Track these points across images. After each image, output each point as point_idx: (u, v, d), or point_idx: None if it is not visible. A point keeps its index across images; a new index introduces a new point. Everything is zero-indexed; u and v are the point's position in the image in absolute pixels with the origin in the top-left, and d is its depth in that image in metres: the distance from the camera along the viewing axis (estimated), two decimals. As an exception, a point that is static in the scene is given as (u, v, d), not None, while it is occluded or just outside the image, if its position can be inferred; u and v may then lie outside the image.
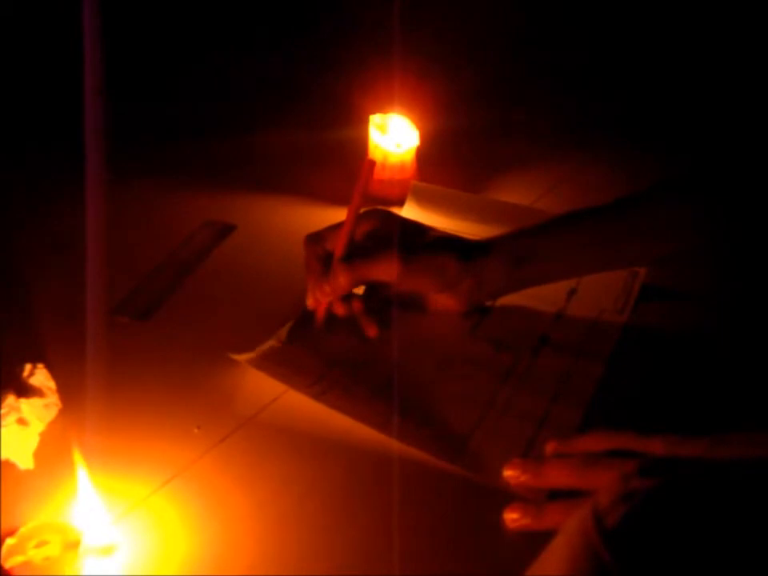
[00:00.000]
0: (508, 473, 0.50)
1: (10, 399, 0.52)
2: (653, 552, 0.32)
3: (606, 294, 0.67)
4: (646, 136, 0.94)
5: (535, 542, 0.39)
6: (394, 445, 0.52)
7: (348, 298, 0.62)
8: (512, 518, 0.47)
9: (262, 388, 0.57)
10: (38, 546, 0.43)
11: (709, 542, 0.33)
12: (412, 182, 0.80)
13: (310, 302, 0.62)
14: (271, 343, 0.61)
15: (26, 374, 0.54)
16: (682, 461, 0.42)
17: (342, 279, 0.60)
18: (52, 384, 0.54)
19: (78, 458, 0.44)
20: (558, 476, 0.48)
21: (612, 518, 0.33)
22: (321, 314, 0.63)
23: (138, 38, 1.02)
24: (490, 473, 0.50)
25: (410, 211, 0.78)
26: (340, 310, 0.62)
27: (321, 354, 0.60)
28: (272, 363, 0.59)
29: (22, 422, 0.51)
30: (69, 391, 0.54)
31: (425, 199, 0.79)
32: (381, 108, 0.82)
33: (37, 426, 0.52)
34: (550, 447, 0.51)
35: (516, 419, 0.55)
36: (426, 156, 0.83)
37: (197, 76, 1.05)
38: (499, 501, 0.48)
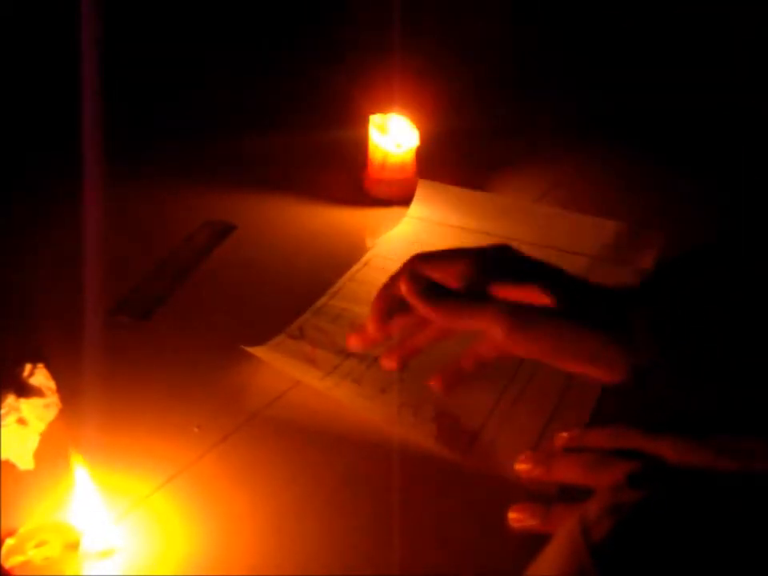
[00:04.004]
0: (520, 466, 0.50)
1: (10, 399, 0.52)
2: (640, 568, 0.32)
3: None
4: (647, 135, 0.94)
5: (537, 542, 0.39)
6: (397, 442, 0.52)
7: None
8: (517, 518, 0.47)
9: (263, 387, 0.57)
10: (38, 546, 0.43)
11: (696, 557, 0.33)
12: (419, 179, 0.80)
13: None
14: (282, 337, 0.61)
15: (26, 374, 0.54)
16: (675, 472, 0.42)
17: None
18: (52, 384, 0.54)
19: (76, 457, 0.44)
20: (569, 472, 0.48)
21: (599, 531, 0.33)
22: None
23: (137, 38, 1.02)
24: (501, 466, 0.50)
25: (417, 209, 0.78)
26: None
27: (333, 347, 0.60)
28: (284, 356, 0.59)
29: (21, 421, 0.51)
30: (69, 391, 0.54)
31: (432, 197, 0.79)
32: (381, 108, 0.82)
33: (37, 426, 0.52)
34: (559, 440, 0.51)
35: (526, 412, 0.55)
36: (426, 156, 0.83)
37: (196, 76, 1.05)
38: (504, 500, 0.48)
